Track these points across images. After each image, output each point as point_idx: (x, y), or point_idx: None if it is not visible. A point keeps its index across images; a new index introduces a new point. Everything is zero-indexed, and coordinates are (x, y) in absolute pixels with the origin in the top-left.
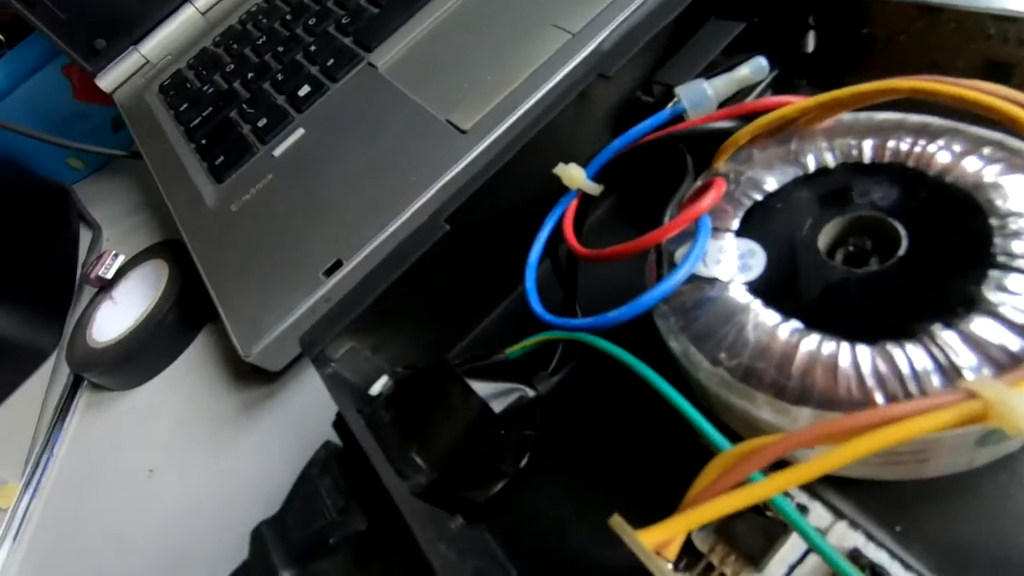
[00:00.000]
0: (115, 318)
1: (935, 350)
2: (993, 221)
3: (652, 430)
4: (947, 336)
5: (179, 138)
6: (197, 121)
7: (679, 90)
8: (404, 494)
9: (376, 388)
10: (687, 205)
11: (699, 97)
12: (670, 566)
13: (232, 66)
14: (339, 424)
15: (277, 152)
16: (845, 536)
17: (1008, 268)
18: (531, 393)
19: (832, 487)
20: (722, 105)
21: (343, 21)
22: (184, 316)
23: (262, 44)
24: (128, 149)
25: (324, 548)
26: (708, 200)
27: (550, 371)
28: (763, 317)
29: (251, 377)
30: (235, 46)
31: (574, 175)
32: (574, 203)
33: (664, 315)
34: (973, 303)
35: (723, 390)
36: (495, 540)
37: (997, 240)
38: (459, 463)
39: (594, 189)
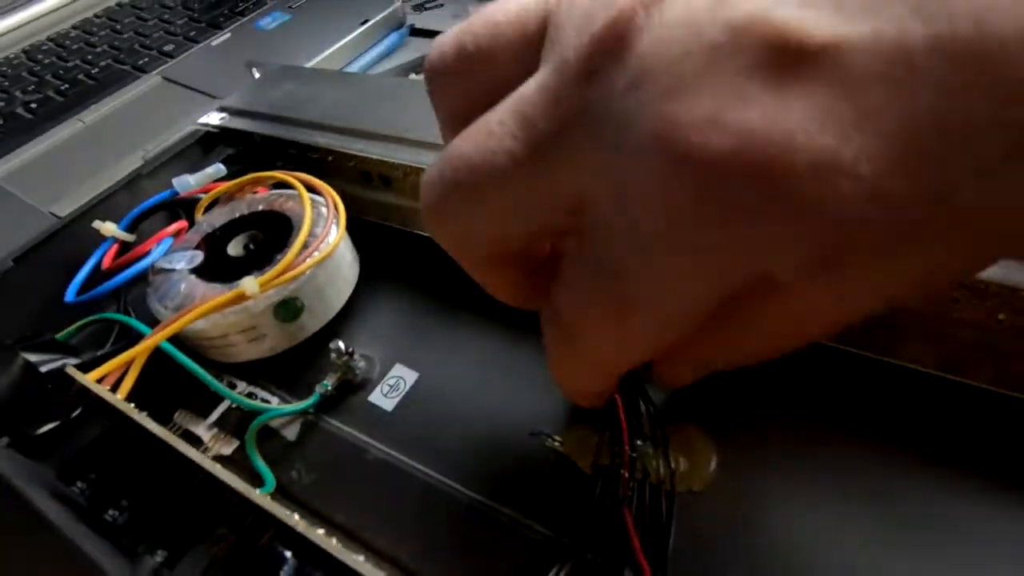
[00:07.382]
0: None
1: None
2: None
3: None
4: None
5: None
6: None
7: (175, 181)
8: None
9: None
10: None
11: (185, 185)
12: None
13: None
14: None
15: None
16: None
17: None
18: (74, 361)
19: None
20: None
21: None
22: None
23: None
24: None
25: None
26: (171, 229)
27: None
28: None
29: None
30: None
31: (108, 227)
32: (113, 248)
33: (151, 291)
34: None
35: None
36: None
37: None
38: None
39: (128, 236)
